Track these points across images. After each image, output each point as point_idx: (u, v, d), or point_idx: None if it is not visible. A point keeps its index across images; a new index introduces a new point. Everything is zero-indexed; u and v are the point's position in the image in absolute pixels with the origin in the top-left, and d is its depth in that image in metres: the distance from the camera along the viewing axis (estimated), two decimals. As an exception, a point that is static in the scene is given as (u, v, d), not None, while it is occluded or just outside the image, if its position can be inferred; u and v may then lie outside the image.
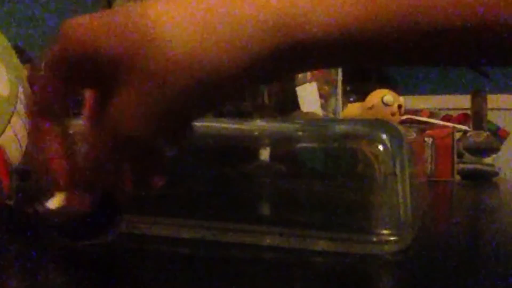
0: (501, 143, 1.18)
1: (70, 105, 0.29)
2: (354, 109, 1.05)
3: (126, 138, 0.26)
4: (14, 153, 0.44)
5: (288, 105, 0.92)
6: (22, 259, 0.34)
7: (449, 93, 2.13)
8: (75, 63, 0.27)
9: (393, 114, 0.95)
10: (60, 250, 0.36)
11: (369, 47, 0.26)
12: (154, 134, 0.26)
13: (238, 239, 0.37)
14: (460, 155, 1.03)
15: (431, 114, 1.23)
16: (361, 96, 1.09)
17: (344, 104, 1.08)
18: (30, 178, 0.40)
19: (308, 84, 0.96)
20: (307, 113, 0.89)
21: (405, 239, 0.35)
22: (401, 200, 0.35)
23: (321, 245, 0.35)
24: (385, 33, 0.26)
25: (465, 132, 1.10)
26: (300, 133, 0.40)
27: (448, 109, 1.59)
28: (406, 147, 0.36)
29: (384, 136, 0.36)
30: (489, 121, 1.22)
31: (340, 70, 1.03)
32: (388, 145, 0.35)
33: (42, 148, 0.29)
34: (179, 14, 0.25)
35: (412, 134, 0.46)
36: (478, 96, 1.18)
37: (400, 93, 1.00)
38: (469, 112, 1.21)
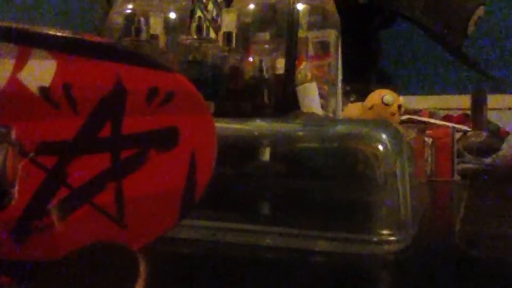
0: (501, 143, 1.18)
1: None
2: (354, 109, 1.05)
3: None
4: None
5: (288, 105, 0.92)
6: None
7: (449, 93, 2.13)
8: None
9: (393, 114, 0.95)
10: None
11: None
12: None
13: (238, 239, 0.37)
14: (460, 155, 1.03)
15: (431, 114, 1.23)
16: (361, 96, 1.09)
17: (344, 104, 1.08)
18: None
19: (308, 84, 0.96)
20: (307, 113, 0.89)
21: (405, 239, 0.35)
22: (401, 200, 0.35)
23: (321, 245, 0.35)
24: None
25: (465, 132, 1.10)
26: (300, 133, 0.40)
27: (448, 109, 1.59)
28: (406, 147, 0.36)
29: (384, 136, 0.36)
30: (489, 121, 1.22)
31: (340, 70, 1.03)
32: (388, 145, 0.35)
33: None
34: None
35: (412, 134, 0.45)
36: (478, 96, 1.18)
37: (400, 93, 1.00)
38: (469, 112, 1.21)
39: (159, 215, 0.25)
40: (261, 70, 0.96)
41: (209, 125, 0.27)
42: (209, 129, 0.27)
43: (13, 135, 0.21)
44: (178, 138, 0.24)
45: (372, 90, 1.00)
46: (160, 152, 0.23)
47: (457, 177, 0.99)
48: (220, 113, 0.87)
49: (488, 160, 1.05)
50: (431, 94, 2.16)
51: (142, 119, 0.23)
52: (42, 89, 0.21)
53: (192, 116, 0.25)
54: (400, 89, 1.17)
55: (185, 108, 0.25)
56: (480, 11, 1.23)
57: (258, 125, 0.41)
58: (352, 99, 1.21)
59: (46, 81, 0.21)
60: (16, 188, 0.21)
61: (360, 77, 1.38)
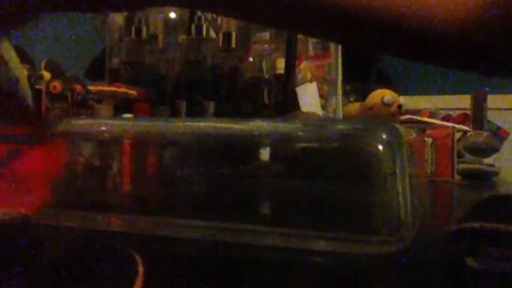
0: (501, 143, 1.19)
1: None
2: (354, 109, 1.06)
3: None
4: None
5: (288, 105, 0.92)
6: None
7: (449, 93, 2.13)
8: None
9: (393, 114, 0.95)
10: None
11: None
12: None
13: (238, 239, 0.37)
14: (460, 155, 1.03)
15: (431, 114, 1.23)
16: (361, 96, 1.09)
17: (344, 104, 1.08)
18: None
19: (308, 84, 0.96)
20: (307, 113, 0.89)
21: (405, 239, 0.35)
22: (401, 200, 0.35)
23: (321, 245, 0.35)
24: None
25: (465, 132, 1.10)
26: (300, 133, 0.40)
27: (448, 109, 1.59)
28: (406, 147, 0.36)
29: (384, 136, 0.36)
30: (489, 121, 1.22)
31: (340, 70, 1.03)
32: (388, 145, 0.35)
33: None
34: None
35: (412, 134, 0.45)
36: (478, 96, 1.18)
37: (400, 93, 1.00)
38: (469, 112, 1.21)
39: (35, 189, 0.37)
40: (261, 70, 0.96)
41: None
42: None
43: None
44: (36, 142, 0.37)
45: (372, 90, 1.00)
46: (29, 148, 0.36)
47: (457, 177, 0.99)
48: (220, 113, 0.87)
49: (488, 160, 1.05)
50: (431, 94, 2.16)
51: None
52: None
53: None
54: (400, 89, 1.17)
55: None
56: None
57: (258, 125, 0.41)
58: (352, 99, 1.21)
59: None
60: None
61: (360, 77, 1.38)
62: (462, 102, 1.43)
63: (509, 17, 0.31)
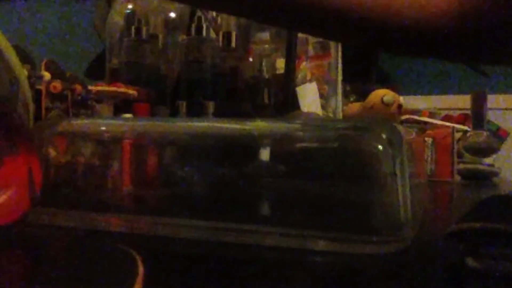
0: (501, 143, 1.19)
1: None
2: (354, 109, 1.06)
3: None
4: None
5: (288, 105, 0.92)
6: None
7: (449, 93, 2.13)
8: None
9: (393, 114, 0.95)
10: (56, 248, 0.36)
11: None
12: None
13: (238, 239, 0.37)
14: (460, 155, 1.03)
15: (431, 114, 1.23)
16: (361, 96, 1.09)
17: (344, 104, 1.08)
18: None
19: (308, 84, 0.96)
20: (307, 113, 0.89)
21: (405, 239, 0.35)
22: (401, 200, 0.35)
23: (321, 245, 0.35)
24: None
25: (465, 132, 1.10)
26: (300, 133, 0.40)
27: (448, 109, 1.59)
28: (406, 147, 0.36)
29: (384, 136, 0.36)
30: (489, 121, 1.22)
31: (340, 70, 1.03)
32: (388, 145, 0.35)
33: None
34: None
35: (412, 134, 0.46)
36: (478, 96, 1.18)
37: (400, 93, 1.00)
38: (469, 112, 1.21)
39: (17, 199, 0.38)
40: (261, 70, 0.96)
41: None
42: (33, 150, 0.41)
43: None
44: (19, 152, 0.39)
45: (372, 90, 1.00)
46: (10, 156, 0.38)
47: (457, 177, 0.99)
48: (220, 113, 0.87)
49: (488, 160, 1.05)
50: (431, 94, 2.16)
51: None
52: None
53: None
54: (400, 89, 1.17)
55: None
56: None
57: (258, 125, 0.41)
58: (352, 99, 1.21)
59: None
60: None
61: (360, 77, 1.38)
62: (462, 102, 1.43)
63: (482, 9, 0.35)
